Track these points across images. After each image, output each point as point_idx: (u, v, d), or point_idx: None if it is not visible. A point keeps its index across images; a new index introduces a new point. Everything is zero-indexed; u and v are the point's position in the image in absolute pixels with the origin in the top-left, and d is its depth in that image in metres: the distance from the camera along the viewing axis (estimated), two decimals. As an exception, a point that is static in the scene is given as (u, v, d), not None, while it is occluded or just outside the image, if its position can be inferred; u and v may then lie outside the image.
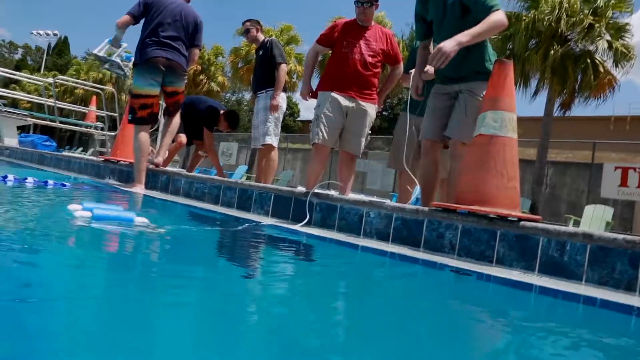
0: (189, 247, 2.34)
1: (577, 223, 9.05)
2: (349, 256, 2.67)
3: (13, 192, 3.56)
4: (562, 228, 2.31)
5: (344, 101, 3.98)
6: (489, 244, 2.47)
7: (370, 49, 4.03)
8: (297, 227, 3.21)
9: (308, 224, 3.31)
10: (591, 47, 15.56)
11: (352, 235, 3.07)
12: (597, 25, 15.23)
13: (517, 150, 2.70)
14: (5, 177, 4.06)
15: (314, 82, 4.38)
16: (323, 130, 4.03)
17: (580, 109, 18.12)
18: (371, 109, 4.07)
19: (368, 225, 3.05)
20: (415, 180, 3.72)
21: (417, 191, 4.25)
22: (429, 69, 3.49)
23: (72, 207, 2.51)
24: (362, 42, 4.03)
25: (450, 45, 2.85)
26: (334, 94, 3.99)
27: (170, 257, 2.11)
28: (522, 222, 2.41)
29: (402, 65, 4.30)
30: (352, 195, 3.66)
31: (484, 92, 3.09)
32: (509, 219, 2.48)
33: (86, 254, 1.89)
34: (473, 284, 2.18)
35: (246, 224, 3.15)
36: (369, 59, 4.01)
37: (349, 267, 2.43)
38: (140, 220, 2.45)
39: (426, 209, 2.80)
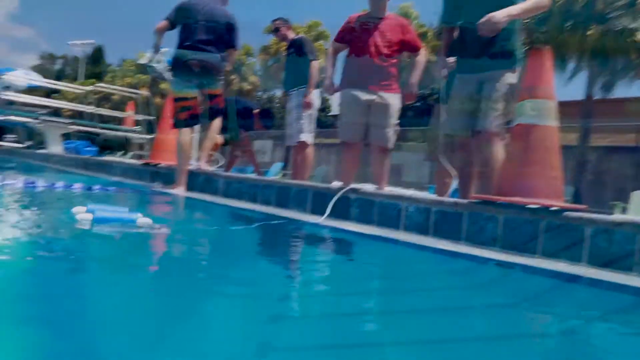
0: (204, 246, 2.38)
1: (624, 210, 8.73)
2: (389, 252, 2.67)
3: (53, 196, 3.73)
4: (609, 217, 2.25)
5: (364, 95, 4.00)
6: (532, 236, 2.43)
7: (386, 39, 4.03)
8: (319, 220, 3.22)
9: (346, 219, 3.33)
10: (633, 25, 14.91)
11: (391, 229, 3.07)
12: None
13: (558, 138, 2.64)
14: (54, 184, 4.25)
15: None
16: (344, 129, 4.13)
17: (623, 89, 17.34)
18: (393, 99, 4.07)
19: (407, 219, 3.04)
20: (453, 172, 3.68)
21: (455, 183, 4.21)
22: (451, 59, 3.47)
23: (76, 209, 2.50)
24: (376, 34, 4.03)
25: (501, 15, 2.83)
26: (351, 91, 4.04)
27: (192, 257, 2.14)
28: (566, 212, 2.35)
29: (423, 51, 4.25)
30: (388, 189, 3.66)
31: (510, 80, 3.05)
32: (552, 209, 2.42)
33: (81, 256, 1.88)
34: (518, 276, 2.15)
35: (266, 221, 3.19)
36: (385, 50, 4.02)
37: (390, 264, 2.43)
38: (144, 221, 2.41)
39: (465, 201, 2.77)
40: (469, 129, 3.23)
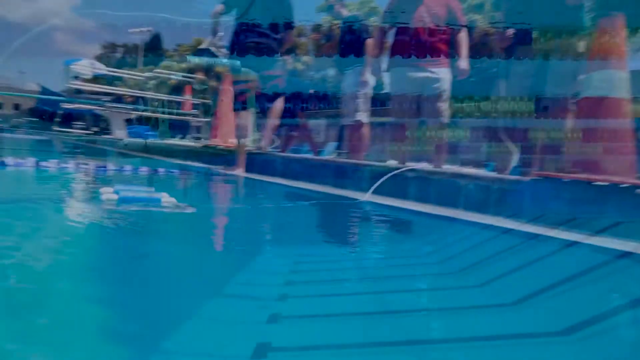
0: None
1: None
2: (447, 230, 2.65)
3: (120, 178, 3.94)
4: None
5: (413, 73, 4.01)
6: (599, 215, 2.33)
7: (432, 14, 3.99)
8: (364, 197, 3.23)
9: (403, 198, 3.32)
10: None
11: (449, 208, 3.03)
12: None
13: (630, 110, 2.50)
14: (122, 167, 4.50)
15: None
16: (397, 107, 4.18)
17: None
18: (443, 74, 4.06)
19: (466, 197, 2.99)
20: (513, 148, 3.59)
21: (515, 160, 4.09)
22: (509, 31, 3.39)
23: (103, 189, 2.56)
24: (422, 9, 4.00)
25: None
26: (400, 69, 4.05)
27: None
28: (639, 189, 2.24)
29: (464, 29, 4.17)
30: (447, 167, 3.61)
31: (575, 50, 2.91)
32: (622, 186, 2.31)
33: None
34: (584, 255, 2.08)
35: (322, 200, 3.22)
36: (432, 25, 3.99)
37: (448, 243, 2.42)
38: (169, 200, 2.44)
39: (528, 178, 2.69)
40: (532, 103, 3.12)
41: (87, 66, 14.10)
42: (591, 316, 1.31)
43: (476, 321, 1.22)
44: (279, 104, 5.19)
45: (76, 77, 13.08)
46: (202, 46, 5.30)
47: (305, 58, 29.18)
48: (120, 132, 12.60)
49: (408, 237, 2.52)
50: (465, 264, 1.87)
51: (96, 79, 14.58)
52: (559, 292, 1.52)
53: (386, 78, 4.53)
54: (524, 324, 1.22)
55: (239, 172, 4.89)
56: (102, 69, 15.31)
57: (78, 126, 15.49)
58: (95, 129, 16.05)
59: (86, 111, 13.88)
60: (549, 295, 1.49)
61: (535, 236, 2.31)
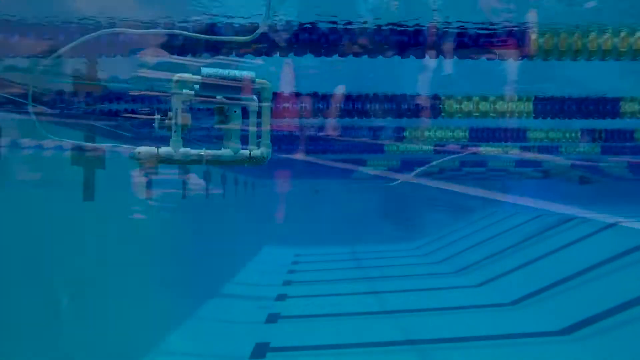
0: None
1: None
2: (513, 216, 2.62)
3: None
4: None
5: (476, 54, 3.95)
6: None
7: None
8: (400, 180, 3.22)
9: (461, 183, 3.29)
10: None
11: (513, 195, 2.98)
12: None
13: None
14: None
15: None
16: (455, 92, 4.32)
17: None
18: (508, 55, 3.95)
19: (519, 181, 2.93)
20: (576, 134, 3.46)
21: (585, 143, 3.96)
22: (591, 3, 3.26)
23: (134, 173, 2.62)
24: None
25: None
26: (462, 52, 4.03)
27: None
28: None
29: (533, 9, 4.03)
30: (512, 151, 3.54)
31: None
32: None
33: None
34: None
35: (380, 182, 3.24)
36: (496, 4, 3.89)
37: (514, 228, 2.39)
38: (196, 182, 2.37)
39: (603, 164, 2.60)
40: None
41: (150, 54, 14.64)
42: (592, 315, 1.28)
43: (476, 318, 1.22)
44: (340, 90, 5.24)
45: (141, 66, 13.61)
46: (258, 31, 5.37)
47: (362, 41, 28.95)
48: (184, 117, 13.06)
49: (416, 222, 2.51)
50: (466, 263, 1.86)
51: (160, 66, 15.10)
52: (560, 291, 1.50)
53: (446, 61, 4.44)
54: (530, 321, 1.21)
55: (300, 156, 4.99)
56: (165, 57, 15.85)
57: (144, 112, 16.17)
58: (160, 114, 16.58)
59: (152, 97, 14.46)
60: (549, 295, 1.46)
61: (596, 222, 2.24)
